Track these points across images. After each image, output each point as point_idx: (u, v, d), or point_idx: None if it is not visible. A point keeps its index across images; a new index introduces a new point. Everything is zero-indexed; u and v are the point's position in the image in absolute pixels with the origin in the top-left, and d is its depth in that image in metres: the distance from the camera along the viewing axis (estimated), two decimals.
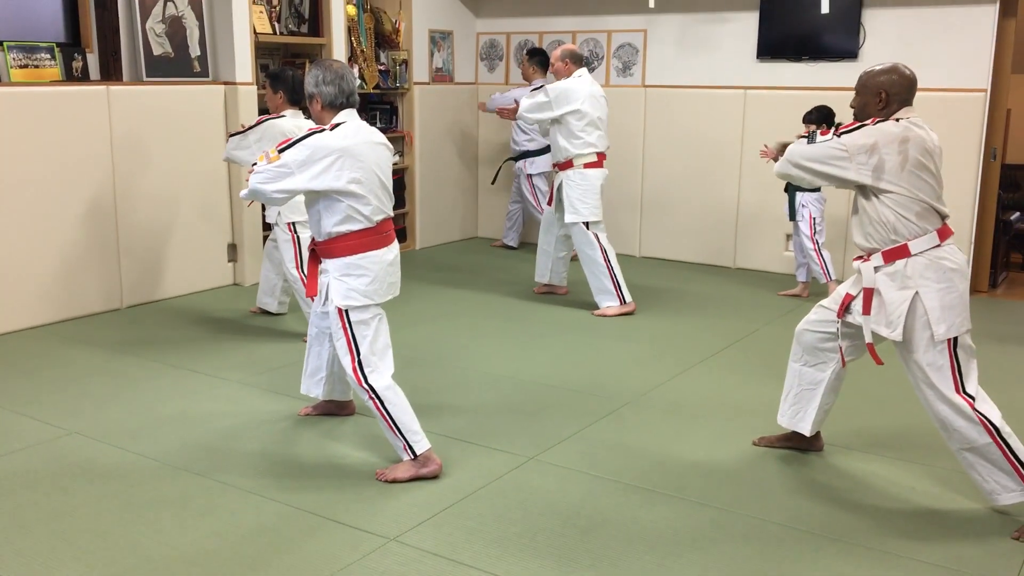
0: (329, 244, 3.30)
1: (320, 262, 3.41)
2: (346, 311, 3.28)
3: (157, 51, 5.74)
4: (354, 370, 3.29)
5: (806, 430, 3.49)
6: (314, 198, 3.27)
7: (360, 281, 3.28)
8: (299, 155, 3.16)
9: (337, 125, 3.26)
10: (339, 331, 3.31)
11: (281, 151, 3.18)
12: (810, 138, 3.17)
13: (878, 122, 3.08)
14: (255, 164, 3.23)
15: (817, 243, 5.86)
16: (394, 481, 3.30)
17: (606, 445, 3.69)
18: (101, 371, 4.48)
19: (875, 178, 3.04)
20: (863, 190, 3.12)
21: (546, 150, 7.08)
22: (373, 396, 3.28)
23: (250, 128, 4.83)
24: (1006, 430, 3.00)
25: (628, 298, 5.63)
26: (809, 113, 5.74)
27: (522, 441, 3.70)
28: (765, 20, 6.68)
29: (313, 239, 3.40)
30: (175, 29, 5.82)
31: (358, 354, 3.29)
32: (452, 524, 3.02)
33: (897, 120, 3.08)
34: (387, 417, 3.28)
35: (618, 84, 7.34)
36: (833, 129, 3.17)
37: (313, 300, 3.61)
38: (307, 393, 3.86)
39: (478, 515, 3.09)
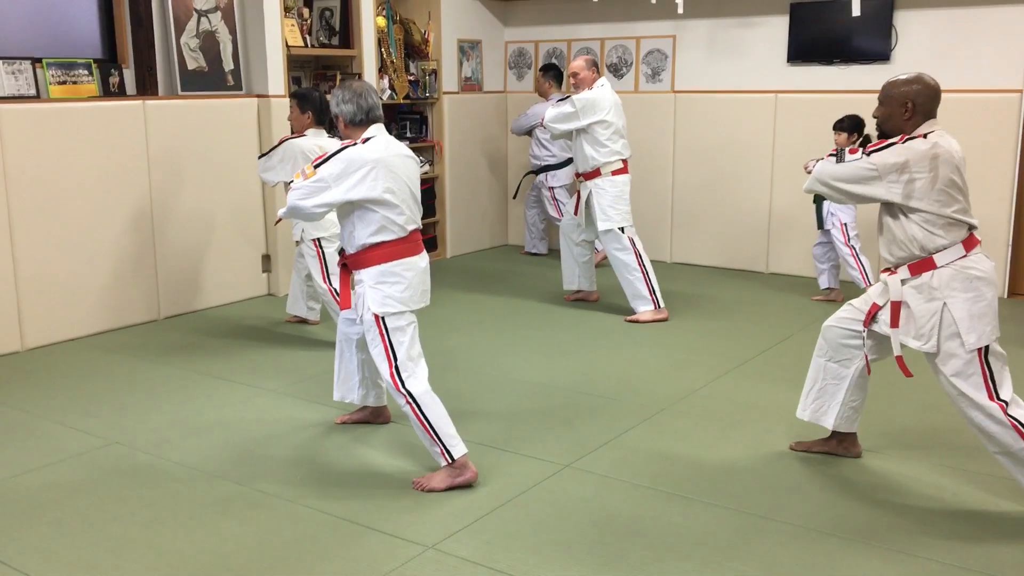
0: (363, 254, 3.34)
1: (351, 274, 3.45)
2: (383, 318, 3.31)
3: (191, 65, 5.82)
4: (391, 375, 3.32)
5: (829, 424, 3.49)
6: (348, 210, 3.32)
7: (395, 288, 3.32)
8: (335, 169, 3.24)
9: (367, 139, 3.33)
10: (376, 338, 3.34)
11: (316, 167, 3.25)
12: (839, 156, 3.15)
13: (907, 140, 3.06)
14: (291, 182, 3.31)
15: (854, 248, 5.81)
16: (431, 491, 3.31)
17: (641, 452, 3.68)
18: (141, 381, 4.55)
19: (905, 197, 3.03)
20: (890, 207, 3.11)
21: (566, 163, 7.11)
22: (411, 401, 3.30)
23: (272, 149, 4.93)
24: None
25: (662, 303, 5.62)
26: (840, 121, 5.70)
27: (557, 448, 3.70)
28: (795, 23, 6.64)
29: (343, 252, 3.44)
30: (209, 44, 5.90)
31: (395, 360, 3.32)
32: (489, 532, 3.03)
33: (925, 136, 3.05)
34: (424, 422, 3.30)
35: (647, 90, 7.33)
36: (861, 147, 3.15)
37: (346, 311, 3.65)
38: (342, 399, 3.89)
39: (515, 523, 3.09)
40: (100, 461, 3.61)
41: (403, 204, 3.32)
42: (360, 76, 6.61)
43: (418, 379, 3.34)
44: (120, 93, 5.57)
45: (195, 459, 3.62)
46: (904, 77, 3.14)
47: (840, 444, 3.60)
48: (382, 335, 3.33)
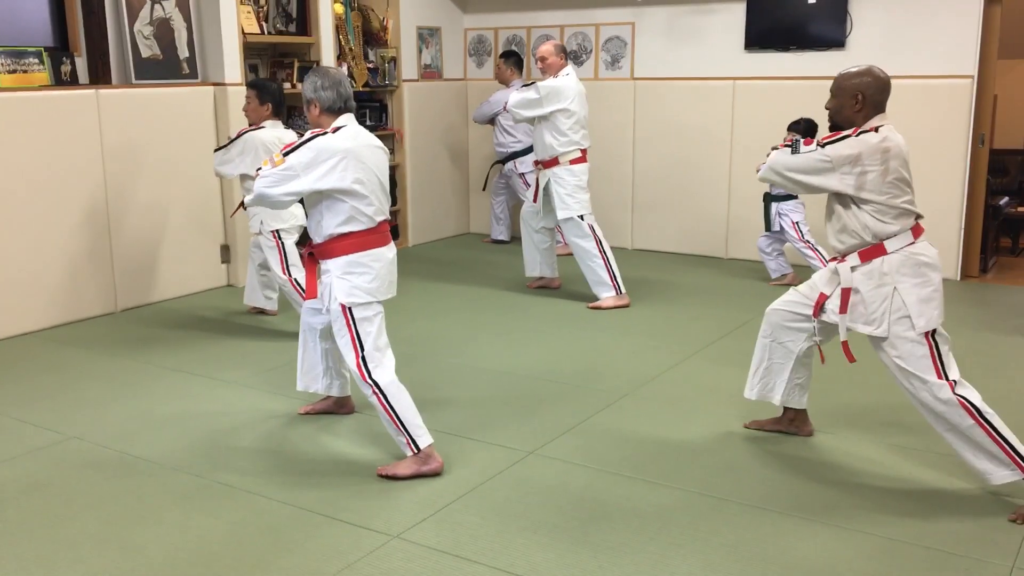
0: (330, 244, 3.32)
1: (317, 264, 3.43)
2: (350, 308, 3.30)
3: (145, 53, 5.73)
4: (358, 366, 3.31)
5: (776, 400, 3.58)
6: (316, 199, 3.30)
7: (363, 279, 3.31)
8: (304, 157, 3.21)
9: (338, 129, 3.30)
10: (343, 329, 3.33)
11: (285, 154, 3.22)
12: (794, 147, 3.21)
13: (860, 132, 3.12)
14: (259, 169, 3.28)
15: (810, 243, 5.92)
16: (394, 477, 3.32)
17: (605, 437, 3.72)
18: (98, 375, 4.48)
19: (857, 188, 3.09)
20: (841, 197, 3.17)
21: (532, 149, 7.11)
22: (377, 391, 3.30)
23: (231, 142, 4.87)
24: (987, 410, 3.05)
25: (624, 289, 5.66)
26: (796, 123, 5.79)
27: (521, 435, 3.72)
28: (752, 10, 6.70)
29: (310, 242, 3.41)
30: (163, 31, 5.80)
31: (362, 350, 3.31)
32: (454, 520, 3.04)
33: (876, 130, 3.11)
34: (391, 412, 3.30)
35: (607, 77, 7.35)
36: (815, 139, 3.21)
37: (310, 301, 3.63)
38: (305, 389, 3.87)
39: (480, 510, 3.11)
40: (59, 456, 3.56)
41: (372, 195, 3.31)
42: (319, 64, 6.55)
43: (385, 369, 3.34)
44: (72, 82, 5.46)
45: (156, 453, 3.58)
46: (855, 69, 3.20)
47: (792, 422, 3.69)
48: (349, 325, 3.32)
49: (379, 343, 3.35)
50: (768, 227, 6.04)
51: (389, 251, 3.40)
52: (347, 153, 3.24)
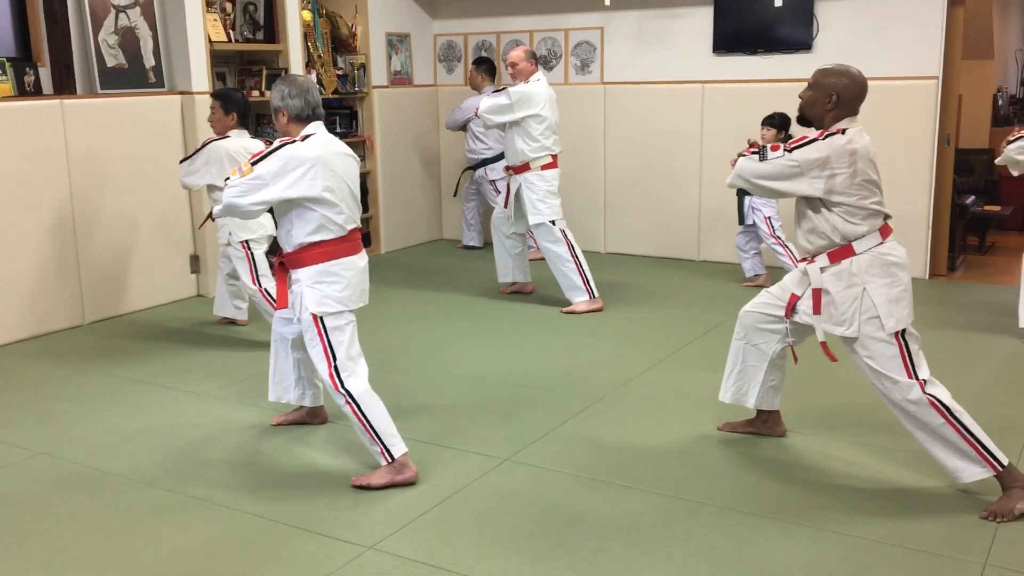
0: (301, 253, 3.29)
1: (287, 273, 3.40)
2: (321, 318, 3.27)
3: (111, 63, 5.67)
4: (331, 376, 3.28)
5: (751, 404, 3.60)
6: (286, 208, 3.27)
7: (334, 288, 3.28)
8: (272, 166, 3.19)
9: (307, 137, 3.28)
10: (314, 338, 3.30)
11: (254, 163, 3.19)
12: (761, 154, 3.20)
13: (826, 136, 3.13)
14: (228, 179, 3.25)
15: (780, 239, 5.95)
16: (368, 487, 3.29)
17: (580, 442, 3.71)
18: (67, 389, 4.42)
19: (827, 192, 3.10)
20: (810, 200, 3.18)
21: (503, 155, 7.11)
22: (351, 401, 3.27)
23: (196, 152, 4.84)
24: (957, 408, 3.07)
25: (597, 293, 5.67)
26: (770, 117, 5.80)
27: (496, 442, 3.71)
28: (720, 14, 6.74)
29: (280, 251, 3.39)
30: (128, 40, 5.74)
31: (334, 360, 3.29)
32: (429, 529, 3.02)
33: (843, 132, 3.12)
34: (364, 422, 3.28)
35: (577, 82, 7.37)
36: (783, 144, 3.22)
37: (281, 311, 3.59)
38: (277, 400, 3.84)
39: (455, 519, 3.09)
40: (27, 472, 3.50)
41: (342, 203, 3.28)
42: (287, 71, 6.51)
43: (358, 378, 3.31)
44: (36, 92, 5.39)
45: (126, 467, 3.53)
46: (837, 68, 3.19)
47: (765, 424, 3.71)
48: (320, 335, 3.29)
49: (351, 352, 3.33)
50: (741, 220, 6.06)
51: (360, 259, 3.38)
52: (316, 161, 3.22)
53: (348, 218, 3.31)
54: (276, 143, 3.27)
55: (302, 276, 3.31)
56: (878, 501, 3.18)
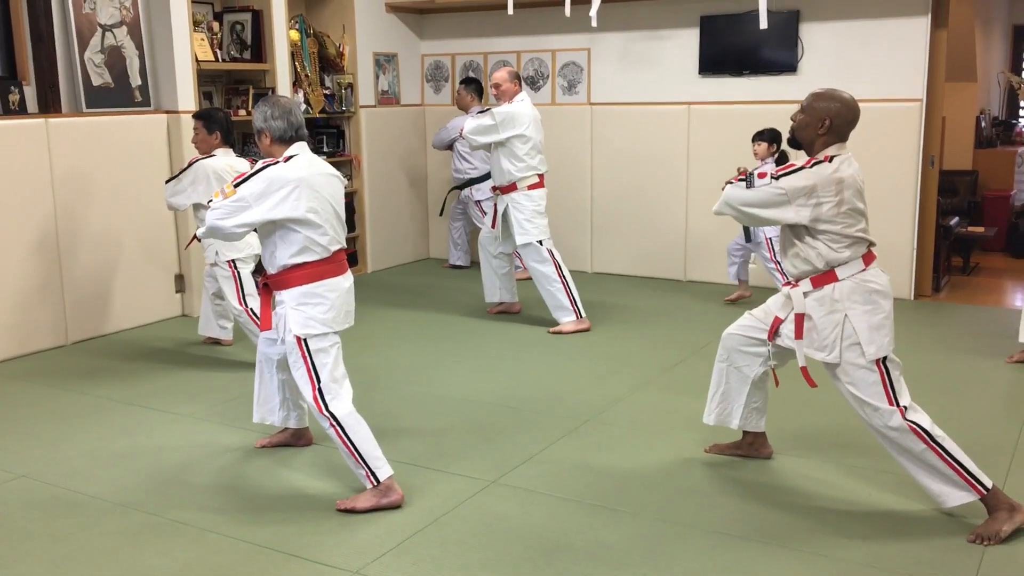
0: (284, 275, 3.28)
1: (272, 295, 3.38)
2: (305, 340, 3.25)
3: (96, 82, 5.65)
4: (315, 398, 3.26)
5: (735, 425, 3.60)
6: (270, 230, 3.26)
7: (318, 309, 3.27)
8: (255, 188, 3.18)
9: (290, 158, 3.27)
10: (298, 360, 3.28)
11: (236, 185, 3.17)
12: (748, 181, 3.21)
13: (814, 163, 3.14)
14: (211, 201, 3.24)
15: (779, 263, 5.96)
16: (353, 511, 3.26)
17: (567, 465, 3.69)
18: (48, 410, 4.37)
19: (813, 220, 3.11)
20: (795, 227, 3.18)
21: (489, 176, 7.12)
22: (335, 424, 3.25)
23: (182, 172, 4.83)
24: (938, 433, 3.08)
25: (584, 313, 5.67)
26: (760, 133, 5.81)
27: (483, 464, 3.69)
28: (705, 36, 6.78)
29: (264, 272, 3.37)
30: (115, 59, 5.73)
31: (319, 382, 3.26)
32: (415, 553, 3.00)
33: (830, 159, 3.13)
34: (349, 445, 3.25)
35: (564, 102, 7.39)
36: (776, 163, 3.23)
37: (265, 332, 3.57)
38: (261, 421, 3.80)
39: (441, 543, 3.06)
40: (6, 495, 3.45)
41: (326, 224, 3.27)
42: (274, 90, 6.50)
43: (342, 401, 3.29)
44: (21, 111, 5.36)
45: (108, 490, 3.49)
46: (830, 93, 3.18)
47: (751, 446, 3.70)
48: (304, 357, 3.27)
49: (336, 374, 3.31)
50: (748, 238, 6.05)
51: (345, 280, 3.36)
52: (300, 182, 3.21)
53: (332, 239, 3.30)
54: (259, 164, 3.26)
55: (286, 298, 3.29)
56: (864, 524, 3.17)
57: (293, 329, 3.26)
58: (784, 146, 5.53)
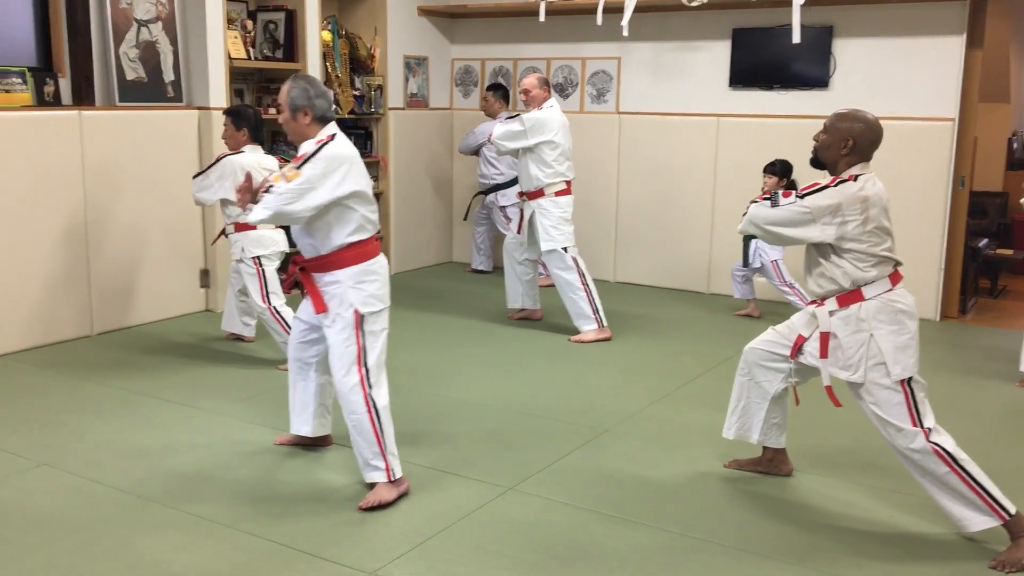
0: (338, 255, 3.31)
1: (312, 280, 3.37)
2: (363, 317, 3.30)
3: (130, 76, 5.70)
4: (361, 380, 3.29)
5: (754, 439, 3.57)
6: (324, 212, 3.26)
7: (374, 286, 3.35)
8: (318, 168, 3.21)
9: (333, 136, 3.31)
10: (350, 339, 3.30)
11: (299, 168, 3.20)
12: (773, 200, 3.20)
13: (838, 182, 3.12)
14: (271, 187, 3.20)
15: (791, 285, 5.95)
16: (379, 505, 3.28)
17: (584, 474, 3.68)
18: (72, 400, 4.41)
19: (839, 238, 3.09)
20: (820, 245, 3.16)
21: (515, 181, 7.12)
22: (372, 410, 3.29)
23: (210, 167, 4.86)
24: (961, 456, 3.04)
25: (605, 323, 5.65)
26: (771, 164, 5.83)
27: (501, 471, 3.68)
28: (737, 48, 6.76)
29: (300, 257, 3.39)
30: (149, 54, 5.78)
31: (366, 364, 3.31)
32: (432, 557, 3.00)
33: (855, 179, 3.11)
34: (379, 435, 3.31)
35: (592, 111, 7.39)
36: (794, 190, 3.21)
37: (315, 316, 3.52)
38: (297, 432, 3.80)
39: (458, 547, 3.06)
40: (27, 484, 3.48)
41: (373, 200, 3.37)
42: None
43: (383, 391, 3.36)
44: (55, 103, 5.42)
45: (127, 482, 3.51)
46: (854, 114, 3.17)
47: (771, 462, 3.67)
48: (358, 337, 3.31)
49: (380, 360, 3.37)
50: (746, 262, 6.07)
51: (384, 257, 3.47)
52: (352, 158, 3.29)
53: (377, 217, 3.40)
54: (310, 146, 3.27)
55: (342, 277, 3.31)
56: (883, 545, 3.14)
57: (355, 304, 3.29)
58: (800, 172, 5.52)
